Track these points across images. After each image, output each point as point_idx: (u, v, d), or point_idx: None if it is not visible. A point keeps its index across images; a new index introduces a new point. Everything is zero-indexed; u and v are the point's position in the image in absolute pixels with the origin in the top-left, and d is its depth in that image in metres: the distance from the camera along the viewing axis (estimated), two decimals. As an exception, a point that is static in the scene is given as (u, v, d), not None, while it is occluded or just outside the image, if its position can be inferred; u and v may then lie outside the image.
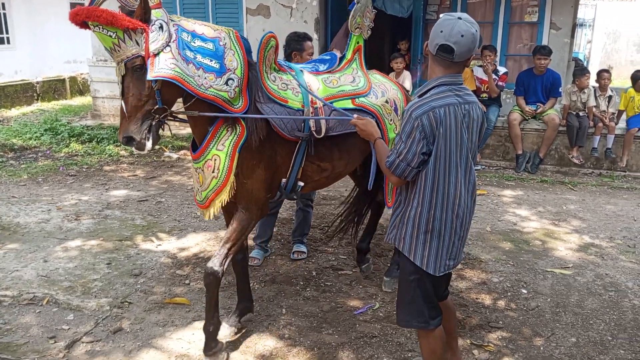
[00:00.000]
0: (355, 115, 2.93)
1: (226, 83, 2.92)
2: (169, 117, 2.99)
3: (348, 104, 3.44)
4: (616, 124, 7.67)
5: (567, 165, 7.80)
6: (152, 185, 6.75)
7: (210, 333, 3.23)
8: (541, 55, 7.61)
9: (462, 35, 2.35)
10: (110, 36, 2.66)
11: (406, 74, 8.00)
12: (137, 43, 2.70)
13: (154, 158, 8.09)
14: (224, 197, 3.07)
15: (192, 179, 3.38)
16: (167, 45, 2.74)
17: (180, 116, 3.11)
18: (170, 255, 4.69)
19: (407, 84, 7.61)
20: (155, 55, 2.71)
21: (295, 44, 4.42)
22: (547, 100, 7.81)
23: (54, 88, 13.44)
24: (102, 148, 8.46)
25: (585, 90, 7.66)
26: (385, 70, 9.32)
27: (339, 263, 4.63)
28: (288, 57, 4.47)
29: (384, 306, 3.94)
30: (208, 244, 4.94)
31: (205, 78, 2.85)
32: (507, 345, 3.48)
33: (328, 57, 3.79)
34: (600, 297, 4.14)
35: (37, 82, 12.96)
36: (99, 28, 2.65)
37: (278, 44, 3.17)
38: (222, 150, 3.02)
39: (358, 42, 3.72)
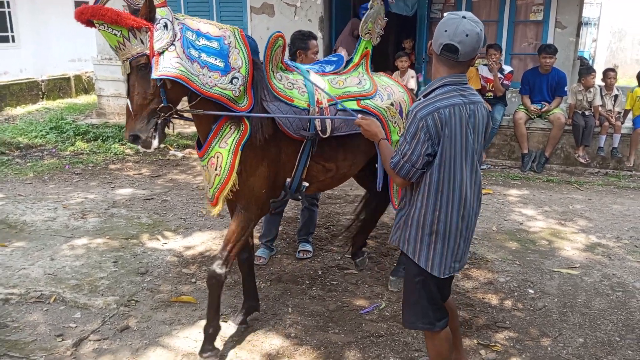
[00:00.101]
0: (359, 116, 2.93)
1: (231, 82, 2.92)
2: (175, 116, 3.00)
3: (353, 105, 3.44)
4: (622, 123, 7.63)
5: (573, 165, 7.78)
6: (157, 184, 6.76)
7: (210, 335, 3.23)
8: (546, 54, 7.59)
9: (467, 35, 2.32)
10: (115, 35, 2.68)
11: (411, 73, 7.98)
12: (142, 42, 2.71)
13: (159, 157, 8.11)
14: (226, 193, 3.08)
15: (203, 176, 3.39)
16: (172, 44, 2.74)
17: (186, 115, 3.13)
18: (176, 254, 4.70)
19: (412, 83, 7.59)
20: (160, 53, 2.72)
21: (300, 43, 4.42)
22: (552, 99, 7.79)
23: (59, 86, 13.47)
24: (107, 146, 8.48)
25: (591, 89, 7.63)
26: (390, 69, 9.31)
27: (344, 262, 4.63)
28: (293, 56, 4.47)
29: (390, 305, 3.93)
30: (214, 242, 4.95)
31: (209, 77, 2.85)
32: (514, 346, 3.48)
33: (335, 59, 3.80)
34: (608, 297, 4.12)
35: (42, 81, 12.99)
36: (104, 27, 2.66)
37: (285, 43, 3.17)
38: (224, 148, 3.03)
39: (367, 47, 3.72)
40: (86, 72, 14.14)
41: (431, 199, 2.45)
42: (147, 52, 2.71)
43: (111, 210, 5.73)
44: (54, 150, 8.38)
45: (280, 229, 4.91)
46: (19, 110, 11.78)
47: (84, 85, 14.27)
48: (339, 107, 3.34)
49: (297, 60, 4.39)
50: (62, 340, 3.42)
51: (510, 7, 8.58)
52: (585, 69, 8.13)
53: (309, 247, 4.77)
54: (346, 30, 8.66)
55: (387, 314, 3.83)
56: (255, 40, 3.13)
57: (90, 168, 7.44)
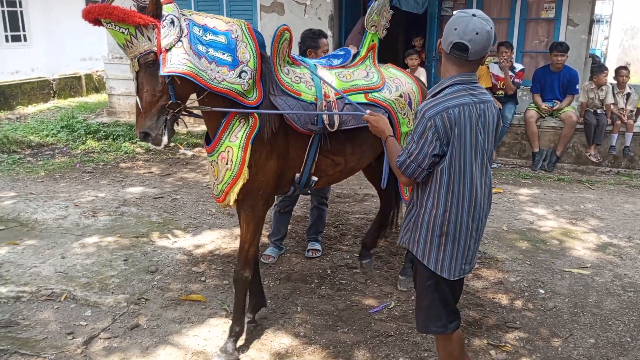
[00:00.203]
0: (368, 111, 2.91)
1: (239, 75, 2.92)
2: (183, 112, 3.01)
3: (361, 99, 3.42)
4: (635, 122, 7.55)
5: (584, 164, 7.72)
6: (167, 182, 6.79)
7: (235, 334, 3.28)
8: (558, 52, 7.53)
9: (477, 33, 2.29)
10: (123, 33, 2.69)
11: (421, 71, 7.95)
12: (149, 39, 2.72)
13: (169, 155, 8.14)
14: (237, 189, 3.08)
15: (209, 173, 3.39)
16: (179, 40, 2.75)
17: (195, 111, 3.14)
18: (186, 252, 4.71)
19: (422, 81, 7.55)
20: (168, 50, 2.72)
21: (310, 42, 4.41)
22: (564, 98, 7.73)
23: (70, 85, 13.55)
24: (118, 145, 8.52)
25: (603, 88, 7.57)
26: (400, 66, 9.28)
27: (353, 261, 4.62)
28: (303, 55, 4.45)
29: (400, 305, 3.92)
30: (223, 241, 4.96)
31: (218, 71, 2.85)
32: (525, 346, 3.45)
33: (342, 53, 3.77)
34: (619, 297, 4.09)
35: (54, 80, 13.08)
36: (112, 25, 2.67)
37: (292, 37, 3.16)
38: (234, 142, 3.02)
39: (373, 40, 3.69)
40: (97, 71, 14.23)
41: (442, 199, 2.42)
42: (155, 49, 2.72)
43: (122, 208, 5.76)
44: (65, 148, 8.44)
45: (289, 227, 4.92)
46: (31, 109, 11.88)
47: (95, 84, 14.36)
48: (347, 102, 3.33)
49: (308, 58, 4.38)
50: (73, 338, 3.45)
51: (521, 4, 8.52)
52: (598, 67, 8.05)
53: (318, 246, 4.77)
54: (356, 28, 8.62)
55: (396, 313, 3.82)
56: (262, 34, 3.12)
57: (101, 166, 7.49)
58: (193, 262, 4.53)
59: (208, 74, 2.82)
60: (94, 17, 2.66)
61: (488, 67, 7.87)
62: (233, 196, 3.10)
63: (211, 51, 2.85)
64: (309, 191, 3.59)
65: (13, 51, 12.42)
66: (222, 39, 2.89)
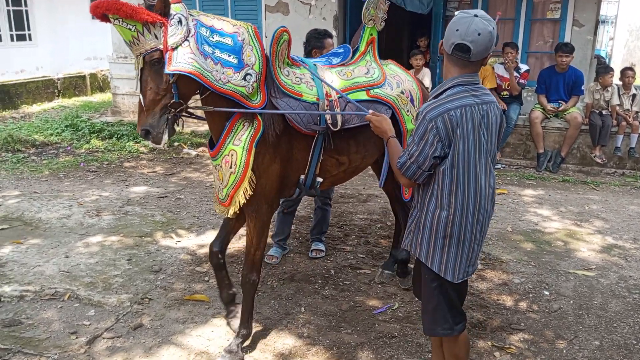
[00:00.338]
0: (370, 111, 2.89)
1: (244, 78, 2.92)
2: (185, 113, 3.01)
3: (363, 96, 3.40)
4: (640, 123, 7.53)
5: (589, 165, 7.68)
6: (171, 182, 6.79)
7: (244, 336, 3.29)
8: (563, 52, 7.50)
9: (479, 34, 2.27)
10: (130, 29, 2.69)
11: (425, 71, 7.93)
12: (156, 37, 2.72)
13: (173, 155, 8.14)
14: (242, 192, 3.07)
15: (213, 177, 3.38)
16: (186, 39, 2.75)
17: (197, 113, 3.14)
18: (190, 252, 4.71)
19: (427, 81, 7.54)
20: (174, 49, 2.73)
21: (316, 42, 4.40)
22: (569, 99, 7.70)
23: (74, 84, 13.58)
24: (122, 144, 8.53)
25: (609, 89, 7.54)
26: (404, 67, 9.26)
27: (357, 262, 4.61)
28: (308, 55, 4.44)
29: (404, 306, 3.91)
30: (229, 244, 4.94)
31: (223, 73, 2.85)
32: (529, 348, 3.44)
33: (341, 50, 3.76)
34: (624, 299, 4.06)
35: (58, 79, 13.11)
36: (119, 21, 2.67)
37: (291, 38, 3.15)
38: (238, 145, 3.02)
39: (371, 34, 3.66)
40: (101, 71, 14.26)
41: (445, 201, 2.41)
42: (161, 47, 2.72)
43: (125, 208, 5.76)
44: (69, 148, 8.46)
45: (292, 227, 4.91)
46: (35, 108, 11.91)
47: (100, 84, 14.39)
48: (348, 102, 3.31)
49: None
50: (76, 337, 3.45)
51: (527, 5, 8.49)
52: (603, 67, 8.02)
53: (321, 247, 4.76)
54: (360, 29, 8.62)
55: (400, 314, 3.80)
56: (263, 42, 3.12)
57: (105, 166, 7.49)
58: (197, 262, 4.52)
59: (213, 75, 2.83)
60: (101, 12, 2.66)
61: (493, 68, 7.84)
62: (239, 199, 3.08)
63: (217, 52, 2.85)
64: (315, 193, 3.57)
65: (18, 50, 12.46)
66: (228, 41, 2.90)
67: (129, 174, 7.13)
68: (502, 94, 7.85)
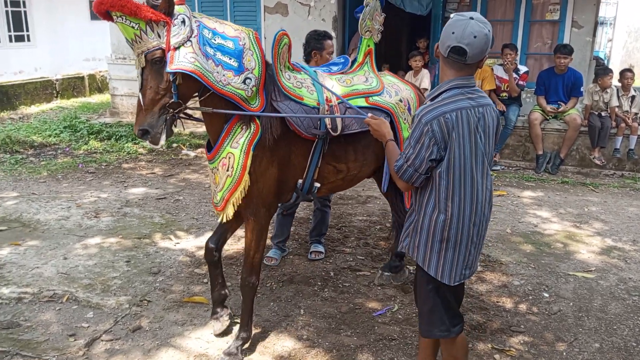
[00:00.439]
0: (369, 114, 2.89)
1: (244, 82, 2.93)
2: (183, 114, 3.01)
3: (362, 103, 3.43)
4: (639, 125, 7.52)
5: (588, 166, 7.68)
6: (170, 183, 6.78)
7: (243, 338, 3.28)
8: (561, 54, 7.49)
9: (475, 37, 2.26)
10: (133, 27, 2.68)
11: (424, 73, 7.91)
12: (159, 35, 2.72)
13: (172, 156, 8.13)
14: (239, 195, 3.06)
15: (209, 180, 3.37)
16: (189, 40, 2.76)
17: (196, 115, 3.14)
18: (189, 254, 4.69)
19: (426, 83, 7.53)
20: (176, 49, 2.73)
21: (316, 43, 4.40)
22: (568, 100, 7.70)
23: (73, 85, 13.56)
24: (120, 145, 8.51)
25: (608, 90, 7.54)
26: (403, 68, 9.25)
27: (356, 264, 4.60)
28: (308, 56, 4.44)
29: (403, 308, 3.90)
30: (226, 242, 4.93)
31: (223, 75, 2.86)
32: (529, 350, 3.43)
33: (341, 60, 3.82)
34: (624, 301, 4.06)
35: (57, 80, 13.08)
36: (122, 18, 2.66)
37: (291, 42, 3.16)
38: (236, 148, 3.02)
39: (369, 46, 3.70)
40: (100, 72, 14.23)
41: (442, 204, 2.41)
42: (163, 46, 2.72)
43: (124, 209, 5.75)
44: (67, 149, 8.44)
45: (292, 229, 4.89)
46: (34, 109, 11.89)
47: (98, 85, 14.36)
48: (348, 107, 3.32)
49: (312, 60, 4.37)
50: (75, 340, 3.43)
51: (526, 6, 8.50)
52: (603, 69, 8.03)
53: (321, 248, 4.75)
54: (358, 33, 8.61)
55: (399, 316, 3.79)
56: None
57: (103, 167, 7.48)
58: (195, 264, 4.51)
59: (214, 76, 2.83)
60: (105, 8, 2.64)
61: (492, 69, 7.84)
62: (235, 202, 3.08)
63: (219, 55, 2.86)
64: (311, 198, 3.58)
65: (16, 51, 12.43)
66: (230, 44, 2.91)
67: (127, 175, 7.12)
68: (501, 95, 7.86)
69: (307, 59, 4.44)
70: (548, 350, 3.44)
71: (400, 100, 3.64)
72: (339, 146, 3.38)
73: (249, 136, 3.02)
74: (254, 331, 3.51)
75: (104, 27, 11.56)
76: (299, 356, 3.33)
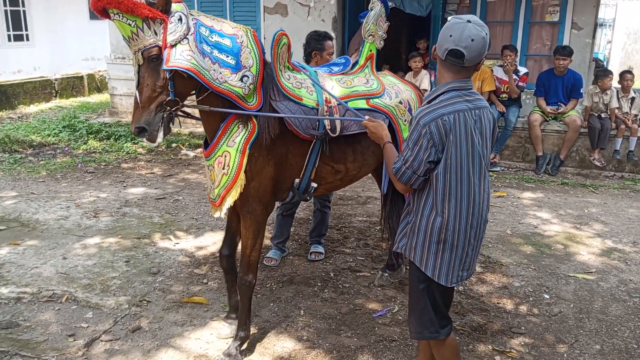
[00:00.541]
0: (366, 117, 2.88)
1: (241, 80, 2.91)
2: (180, 112, 3.00)
3: (362, 104, 3.42)
4: (639, 126, 7.52)
5: (588, 168, 7.68)
6: (169, 183, 6.76)
7: (242, 338, 3.27)
8: (560, 55, 7.49)
9: (473, 40, 2.28)
10: (130, 24, 2.67)
11: (424, 74, 7.91)
12: (155, 33, 2.71)
13: (171, 156, 8.11)
14: (235, 193, 3.06)
15: (206, 177, 3.37)
16: (185, 37, 2.75)
17: (193, 114, 3.13)
18: (188, 254, 4.68)
19: (425, 83, 7.53)
20: (173, 46, 2.72)
21: (316, 43, 4.39)
22: (568, 101, 7.69)
23: (72, 85, 13.53)
24: (119, 145, 8.50)
25: (608, 92, 7.54)
26: (403, 69, 9.25)
27: (356, 264, 4.59)
28: (308, 57, 4.44)
29: (404, 309, 3.88)
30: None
31: (220, 73, 2.85)
32: (530, 352, 3.42)
33: (342, 61, 3.80)
34: (625, 303, 4.05)
35: (56, 79, 13.06)
36: (119, 16, 2.65)
37: (290, 42, 3.15)
38: (232, 147, 3.02)
39: (371, 50, 3.69)
40: (99, 71, 14.21)
41: (439, 206, 2.42)
42: (160, 43, 2.72)
43: (123, 209, 5.73)
44: (66, 148, 8.42)
45: (292, 230, 4.88)
46: (33, 108, 11.86)
47: (97, 84, 14.34)
48: (349, 107, 3.31)
49: (313, 61, 4.36)
50: (74, 340, 3.42)
51: (525, 7, 8.50)
52: (603, 71, 8.03)
53: (320, 249, 4.74)
54: (359, 33, 8.61)
55: (400, 317, 3.78)
56: (263, 44, 3.11)
57: (102, 167, 7.46)
58: (195, 264, 4.50)
59: (210, 74, 2.82)
60: (102, 5, 2.63)
61: (492, 71, 7.84)
62: (230, 201, 3.07)
63: (215, 52, 2.85)
64: (308, 198, 3.56)
65: (15, 50, 12.41)
66: (227, 42, 2.90)
67: (126, 175, 7.10)
68: (501, 96, 7.85)
69: (307, 60, 4.44)
70: (549, 352, 3.43)
71: (400, 102, 3.63)
72: (338, 147, 3.37)
73: (246, 135, 3.02)
74: (254, 331, 3.51)
75: (103, 26, 11.54)
76: (299, 357, 3.32)
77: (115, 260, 4.50)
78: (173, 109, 2.89)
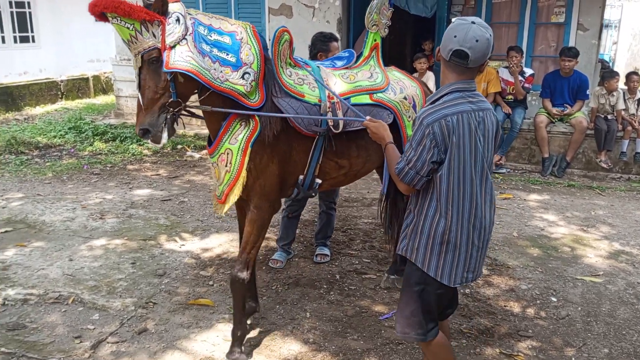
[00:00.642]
0: (367, 117, 2.87)
1: (242, 77, 2.91)
2: (184, 112, 3.01)
3: (365, 99, 3.39)
4: (645, 128, 7.50)
5: (594, 170, 7.65)
6: (175, 185, 6.77)
7: (238, 337, 3.24)
8: (566, 57, 7.46)
9: (477, 40, 2.29)
10: (128, 28, 2.69)
11: (429, 75, 7.92)
12: (154, 35, 2.72)
13: (177, 157, 8.12)
14: (237, 191, 3.06)
15: (211, 174, 3.38)
16: (184, 38, 2.75)
17: (197, 113, 3.13)
18: (194, 256, 4.68)
19: (431, 85, 7.51)
20: (172, 47, 2.73)
21: (322, 45, 4.37)
22: (574, 103, 7.67)
23: (77, 86, 13.57)
24: (125, 147, 8.51)
25: (614, 93, 7.51)
26: (407, 70, 9.23)
27: (362, 267, 4.58)
28: (314, 58, 4.41)
29: (410, 312, 3.87)
30: (231, 244, 4.92)
31: (221, 71, 2.85)
32: (538, 355, 3.40)
33: (346, 55, 3.76)
34: (633, 306, 4.03)
35: (62, 81, 13.10)
36: (117, 20, 2.67)
37: (292, 38, 3.14)
38: (234, 145, 3.02)
39: (375, 40, 3.65)
40: (105, 73, 14.25)
41: (442, 208, 2.42)
42: (159, 45, 2.73)
43: (129, 211, 5.74)
44: (72, 150, 8.43)
45: (297, 232, 4.87)
46: (38, 110, 11.90)
47: (103, 86, 14.38)
48: (350, 107, 3.28)
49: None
50: (80, 342, 3.42)
51: (531, 9, 8.47)
52: (609, 72, 7.99)
53: (326, 251, 4.73)
54: (363, 34, 8.59)
55: (406, 320, 3.76)
56: (264, 38, 3.10)
57: (108, 168, 7.47)
58: (201, 266, 4.49)
59: (211, 73, 2.82)
60: (99, 10, 2.66)
61: (497, 72, 7.82)
62: (233, 198, 3.08)
63: (215, 51, 2.86)
64: (313, 194, 3.55)
65: (21, 52, 12.45)
66: (226, 39, 2.90)
67: (132, 176, 7.11)
68: (506, 98, 7.83)
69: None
70: (556, 355, 3.41)
71: (405, 98, 3.59)
72: (342, 142, 3.35)
73: (248, 133, 3.02)
74: (261, 334, 3.51)
75: (108, 28, 11.44)
76: (306, 360, 3.31)
77: (121, 262, 4.50)
78: (176, 110, 2.90)
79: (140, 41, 2.72)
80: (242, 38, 2.93)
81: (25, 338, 3.44)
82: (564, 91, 7.66)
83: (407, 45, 12.09)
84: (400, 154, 2.54)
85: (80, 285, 4.10)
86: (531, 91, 8.04)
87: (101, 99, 13.64)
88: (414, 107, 3.63)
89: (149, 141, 2.91)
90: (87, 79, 13.93)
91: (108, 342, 3.42)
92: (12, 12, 12.21)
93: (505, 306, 3.98)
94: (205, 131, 8.87)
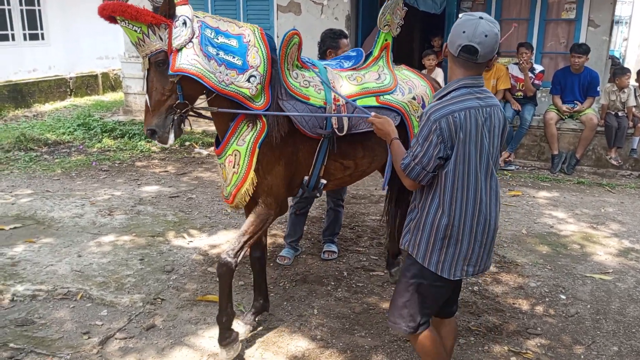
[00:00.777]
0: (373, 114, 2.85)
1: (248, 80, 2.92)
2: (191, 113, 3.03)
3: (372, 102, 3.36)
4: (657, 125, 7.42)
5: (604, 167, 7.58)
6: (183, 182, 6.78)
7: (224, 323, 3.17)
8: (576, 53, 7.40)
9: (486, 36, 2.29)
10: (136, 31, 2.73)
11: (438, 72, 7.88)
12: (161, 38, 2.75)
13: (185, 154, 8.14)
14: (244, 192, 3.07)
15: (219, 174, 3.39)
16: (190, 41, 2.77)
17: (205, 113, 3.15)
18: (202, 252, 4.69)
19: (440, 82, 7.45)
20: (178, 50, 2.75)
21: (331, 42, 4.36)
22: (584, 100, 7.60)
23: (86, 84, 13.63)
24: (133, 144, 8.54)
25: (625, 90, 7.44)
26: (416, 67, 9.19)
27: (370, 264, 4.57)
28: (323, 55, 4.41)
29: (418, 309, 3.85)
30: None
31: (227, 74, 2.86)
32: (547, 353, 3.38)
33: (354, 54, 3.72)
34: (643, 304, 4.00)
35: (70, 78, 13.15)
36: (125, 23, 2.72)
37: (301, 41, 3.13)
38: (242, 146, 3.03)
39: (386, 40, 3.62)
40: (113, 70, 14.30)
41: (446, 203, 2.41)
42: (166, 48, 2.76)
43: (137, 207, 5.76)
44: (81, 146, 8.48)
45: (305, 229, 4.87)
46: (47, 106, 11.96)
47: (111, 83, 14.43)
48: (356, 105, 3.26)
49: (327, 59, 4.32)
50: (89, 337, 3.43)
51: (541, 5, 8.41)
52: (620, 69, 7.92)
53: (334, 248, 4.72)
54: (373, 33, 8.56)
55: (414, 317, 3.75)
56: (273, 39, 3.09)
57: (117, 165, 7.50)
58: (209, 262, 4.50)
59: (216, 76, 2.84)
60: (108, 13, 2.71)
61: (507, 68, 7.77)
62: (240, 198, 3.10)
63: (221, 54, 2.87)
64: (317, 194, 3.54)
65: (31, 49, 12.51)
66: (233, 42, 2.91)
67: (140, 173, 7.13)
68: (516, 94, 7.78)
69: (322, 58, 4.41)
70: (565, 353, 3.39)
71: (414, 98, 3.55)
72: (347, 144, 3.34)
73: (255, 134, 3.03)
74: (268, 331, 3.51)
75: (117, 26, 11.58)
76: (313, 356, 3.31)
77: (129, 258, 4.51)
78: (183, 111, 2.93)
79: (147, 44, 2.75)
80: (249, 41, 2.93)
81: (33, 334, 3.46)
82: (574, 88, 7.60)
83: (415, 41, 12.04)
84: (405, 150, 2.53)
85: (89, 281, 4.12)
86: (541, 88, 7.98)
87: (110, 96, 13.69)
88: (423, 107, 3.58)
89: (156, 141, 2.94)
90: (96, 76, 13.99)
91: (116, 338, 3.44)
92: (22, 10, 12.27)
93: (513, 304, 3.96)
94: (212, 128, 8.86)
